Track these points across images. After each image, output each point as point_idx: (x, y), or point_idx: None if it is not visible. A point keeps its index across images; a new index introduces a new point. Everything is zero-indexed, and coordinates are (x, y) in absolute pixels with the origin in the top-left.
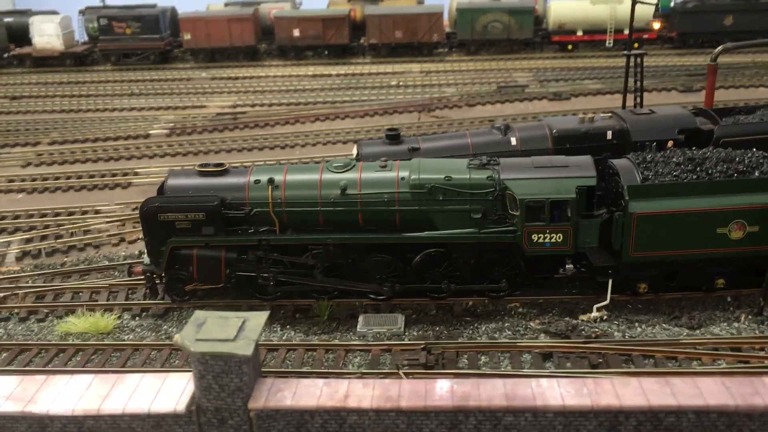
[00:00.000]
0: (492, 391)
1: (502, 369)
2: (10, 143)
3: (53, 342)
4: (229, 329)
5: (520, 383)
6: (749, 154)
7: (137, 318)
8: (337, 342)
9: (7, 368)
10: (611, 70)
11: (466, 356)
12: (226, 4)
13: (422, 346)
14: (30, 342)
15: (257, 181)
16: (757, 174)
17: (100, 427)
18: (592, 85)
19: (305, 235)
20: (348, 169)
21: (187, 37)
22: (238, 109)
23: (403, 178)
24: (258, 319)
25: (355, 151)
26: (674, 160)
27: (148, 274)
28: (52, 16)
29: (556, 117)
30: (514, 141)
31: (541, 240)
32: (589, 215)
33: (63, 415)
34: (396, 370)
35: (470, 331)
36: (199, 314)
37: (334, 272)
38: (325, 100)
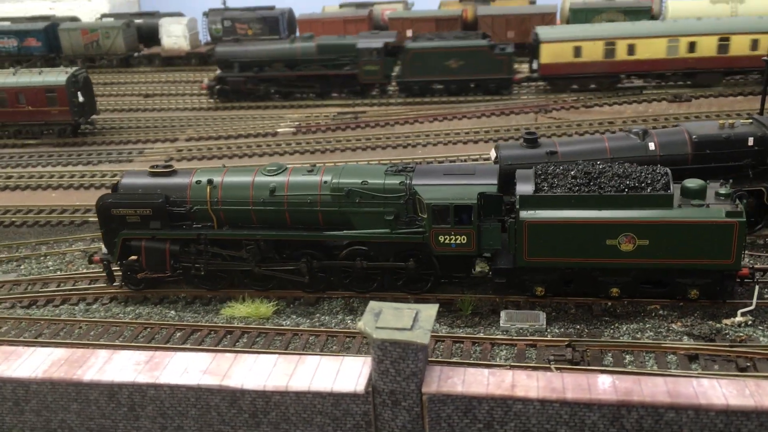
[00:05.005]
0: (654, 388)
1: (648, 369)
2: (151, 139)
3: (220, 324)
4: (405, 319)
5: (681, 381)
6: (647, 170)
7: (291, 306)
8: (482, 335)
9: (201, 347)
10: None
11: (610, 354)
12: (341, 6)
13: (566, 343)
14: (200, 324)
15: (198, 182)
16: (649, 191)
17: (284, 402)
18: (714, 87)
19: (238, 231)
20: (278, 173)
21: None
22: (358, 109)
23: (325, 182)
24: (429, 311)
25: (493, 154)
26: (572, 173)
27: (105, 263)
28: (179, 18)
29: (695, 122)
30: (652, 146)
31: (447, 241)
32: (500, 220)
33: (254, 390)
34: (547, 365)
35: (611, 331)
36: (373, 305)
37: (267, 265)
38: (440, 99)
